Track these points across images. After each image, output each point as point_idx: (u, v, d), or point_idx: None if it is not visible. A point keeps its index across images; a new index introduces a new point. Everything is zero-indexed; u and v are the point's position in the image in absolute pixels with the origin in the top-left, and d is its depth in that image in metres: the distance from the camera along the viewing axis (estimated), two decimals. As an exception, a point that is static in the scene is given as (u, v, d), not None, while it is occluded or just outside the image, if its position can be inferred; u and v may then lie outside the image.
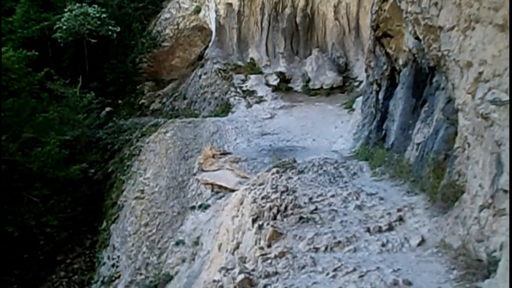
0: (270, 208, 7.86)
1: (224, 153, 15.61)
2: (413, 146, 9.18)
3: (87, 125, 20.33)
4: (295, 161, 12.13)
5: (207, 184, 14.79)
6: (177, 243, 13.38)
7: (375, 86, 11.95)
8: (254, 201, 8.38)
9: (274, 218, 7.64)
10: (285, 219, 7.55)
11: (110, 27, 24.28)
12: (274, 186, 9.27)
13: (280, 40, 23.31)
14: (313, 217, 7.46)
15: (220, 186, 14.47)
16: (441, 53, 6.53)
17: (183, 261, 12.73)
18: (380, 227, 6.75)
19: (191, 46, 27.65)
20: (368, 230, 6.72)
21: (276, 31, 23.35)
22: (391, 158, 10.07)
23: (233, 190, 13.75)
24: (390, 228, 6.76)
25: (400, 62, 10.46)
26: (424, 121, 8.97)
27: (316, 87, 21.90)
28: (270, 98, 21.10)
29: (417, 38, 8.26)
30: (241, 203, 9.49)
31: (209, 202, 14.32)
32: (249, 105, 20.92)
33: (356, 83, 21.77)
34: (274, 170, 11.10)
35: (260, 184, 10.22)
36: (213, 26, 24.17)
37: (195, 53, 27.55)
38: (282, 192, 8.65)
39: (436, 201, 6.98)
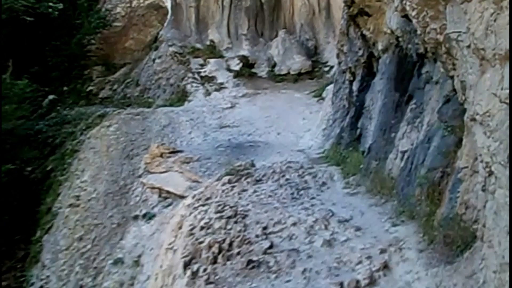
0: (210, 246, 5.81)
1: (174, 151, 13.42)
2: (397, 154, 7.27)
3: (20, 117, 17.68)
4: (253, 165, 10.10)
5: (154, 188, 12.64)
6: (115, 262, 11.23)
7: (348, 75, 9.97)
8: (191, 233, 6.32)
9: (214, 261, 5.62)
10: (228, 263, 5.54)
11: (50, 4, 21.42)
12: (220, 208, 7.21)
13: (243, 20, 21.01)
14: (267, 260, 5.47)
15: (168, 191, 12.35)
16: (446, 36, 4.55)
17: (121, 285, 10.63)
18: (357, 282, 4.82)
19: (147, 26, 24.99)
20: (341, 286, 4.78)
21: (239, 10, 21.02)
22: (368, 166, 8.16)
23: (183, 197, 11.72)
24: (372, 282, 4.83)
25: (379, 46, 8.48)
26: (411, 123, 7.05)
27: (283, 72, 19.81)
28: (231, 85, 18.90)
29: (405, 16, 6.27)
30: (180, 228, 7.41)
31: (155, 210, 12.17)
32: (207, 93, 18.68)
33: (326, 68, 19.80)
34: (226, 179, 9.05)
35: (206, 199, 8.17)
36: (168, 4, 21.66)
37: (151, 34, 24.89)
38: (229, 218, 6.61)
39: (433, 240, 5.09)
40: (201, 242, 5.95)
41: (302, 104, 17.14)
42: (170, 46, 20.55)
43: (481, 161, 4.08)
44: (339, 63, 10.42)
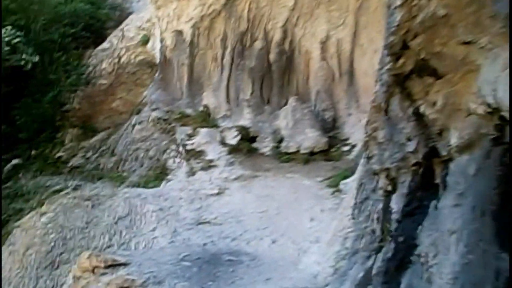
0: None
1: (113, 265, 9.03)
2: None
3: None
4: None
5: (71, 327, 8.20)
6: None
7: (383, 181, 5.61)
8: None
9: None
10: None
11: (24, 56, 18.35)
12: None
13: (246, 83, 17.25)
14: None
15: (88, 337, 7.87)
16: None
17: None
18: None
19: (138, 85, 21.52)
20: None
21: (241, 71, 17.32)
22: None
23: None
24: None
25: (453, 139, 4.18)
26: None
27: (291, 150, 15.71)
28: (223, 164, 14.77)
29: None
30: None
31: None
32: (191, 172, 14.56)
33: (346, 148, 15.65)
34: None
35: None
36: (157, 60, 18.21)
37: (143, 95, 21.44)
38: None
39: None
40: None
41: (312, 195, 12.75)
42: (154, 110, 16.77)
43: None
44: (368, 158, 6.07)
